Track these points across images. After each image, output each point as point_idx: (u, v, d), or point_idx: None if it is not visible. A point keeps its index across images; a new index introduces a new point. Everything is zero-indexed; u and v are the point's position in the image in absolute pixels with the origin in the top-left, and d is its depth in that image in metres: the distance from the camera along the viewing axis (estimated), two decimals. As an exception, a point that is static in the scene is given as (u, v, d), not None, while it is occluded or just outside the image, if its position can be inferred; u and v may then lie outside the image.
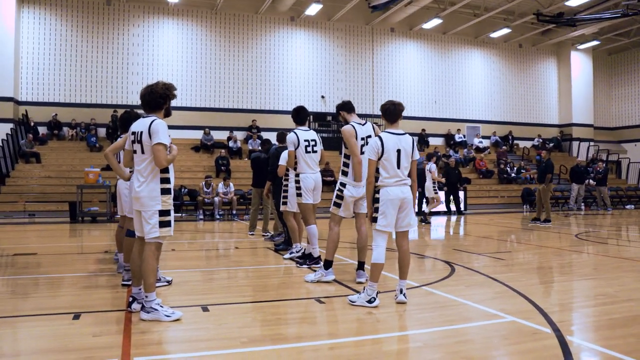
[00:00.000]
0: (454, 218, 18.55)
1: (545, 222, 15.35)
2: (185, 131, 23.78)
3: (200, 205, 18.32)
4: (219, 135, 24.15)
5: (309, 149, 7.40)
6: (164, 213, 4.84)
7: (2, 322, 4.81)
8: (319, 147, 7.53)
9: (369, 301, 5.24)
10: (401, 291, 5.40)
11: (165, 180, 4.89)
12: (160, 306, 4.81)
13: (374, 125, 6.70)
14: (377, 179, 5.38)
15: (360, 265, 6.56)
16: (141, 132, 4.86)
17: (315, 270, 6.93)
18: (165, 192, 4.88)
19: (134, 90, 23.46)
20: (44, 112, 22.38)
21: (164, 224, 4.85)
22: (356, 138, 6.30)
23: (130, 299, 5.07)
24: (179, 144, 22.78)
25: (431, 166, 16.50)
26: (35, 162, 20.67)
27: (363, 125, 6.53)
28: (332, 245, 6.45)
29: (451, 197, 20.22)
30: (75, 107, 22.93)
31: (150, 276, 4.82)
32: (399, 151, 5.33)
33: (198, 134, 23.91)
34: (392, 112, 5.47)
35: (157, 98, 4.95)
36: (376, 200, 5.37)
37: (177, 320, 4.74)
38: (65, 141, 22.54)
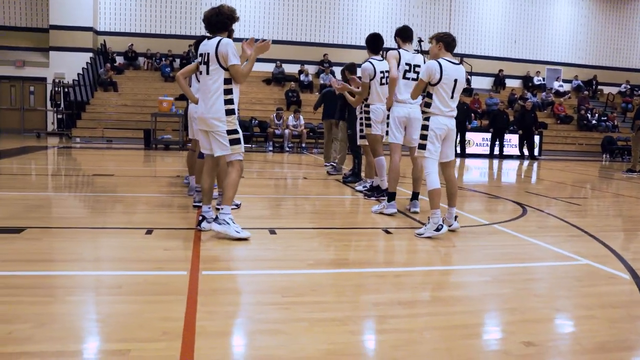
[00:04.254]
0: (526, 163, 17.95)
1: (637, 172, 14.38)
2: (257, 63, 23.66)
3: (270, 137, 18.51)
4: (290, 69, 24.04)
5: (384, 80, 7.22)
6: (231, 132, 4.94)
7: (83, 232, 5.08)
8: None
9: (437, 229, 5.20)
10: (455, 218, 5.46)
11: (229, 102, 4.94)
12: (232, 221, 4.91)
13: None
14: (428, 105, 5.39)
15: (415, 196, 6.69)
16: (208, 54, 4.92)
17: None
18: (229, 112, 4.94)
19: (207, 21, 23.50)
20: (121, 42, 22.91)
21: (234, 142, 4.95)
22: (399, 62, 6.48)
23: (200, 218, 5.20)
24: (250, 76, 22.92)
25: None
26: (113, 90, 21.34)
27: (413, 53, 6.67)
28: (393, 176, 6.45)
29: (524, 142, 19.63)
30: (150, 37, 23.31)
31: (231, 190, 4.95)
32: (455, 81, 5.37)
33: (270, 67, 23.86)
34: (452, 43, 5.50)
35: (225, 19, 4.98)
36: (425, 128, 5.41)
37: (245, 239, 4.82)
38: (140, 71, 23.10)
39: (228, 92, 4.94)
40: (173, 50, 23.13)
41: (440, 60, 5.35)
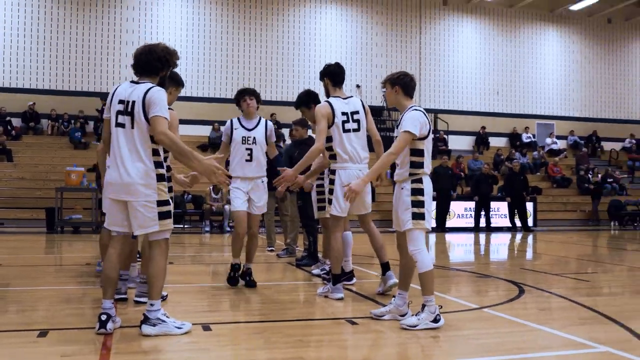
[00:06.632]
0: (519, 236, 18.18)
1: None
2: (191, 126, 23.74)
3: (207, 215, 18.29)
4: (230, 132, 24.12)
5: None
6: (162, 202, 4.87)
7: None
8: None
9: (435, 320, 5.06)
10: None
11: (159, 165, 4.89)
12: (167, 317, 4.83)
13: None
14: (418, 165, 5.29)
15: (386, 267, 6.62)
16: (133, 102, 4.80)
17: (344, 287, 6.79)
18: (160, 178, 4.87)
19: (128, 75, 23.55)
20: (17, 100, 22.61)
21: (164, 215, 4.85)
22: (333, 115, 6.37)
23: (104, 317, 4.82)
24: (182, 141, 22.87)
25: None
26: (6, 160, 20.92)
27: (345, 99, 6.59)
28: (337, 255, 6.44)
29: (515, 210, 19.97)
30: (56, 95, 23.15)
31: (160, 279, 4.88)
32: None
33: (206, 130, 23.94)
34: (412, 86, 5.52)
35: (155, 61, 4.97)
36: (420, 192, 5.26)
37: (188, 332, 4.80)
38: (43, 136, 22.82)
39: (157, 152, 4.90)
40: (85, 110, 22.98)
41: (420, 109, 5.35)
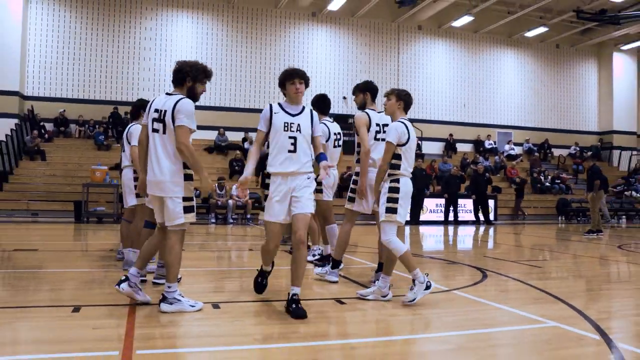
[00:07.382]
0: (482, 228, 18.28)
1: (595, 232, 14.76)
2: (199, 131, 23.25)
3: (213, 209, 18.28)
4: (234, 136, 24.11)
5: (337, 142, 7.32)
6: (187, 198, 4.91)
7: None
8: (341, 143, 7.53)
9: (427, 287, 5.17)
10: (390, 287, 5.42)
11: (187, 165, 4.91)
12: (182, 296, 4.85)
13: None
14: (396, 167, 5.44)
15: (382, 267, 6.37)
16: (165, 111, 4.84)
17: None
18: (187, 178, 4.91)
19: (145, 86, 23.57)
20: (50, 107, 22.54)
21: (188, 209, 4.90)
22: (369, 125, 6.33)
23: (123, 277, 4.93)
24: (192, 144, 22.81)
25: None
26: (40, 159, 20.82)
27: (379, 113, 6.53)
28: (342, 244, 6.46)
29: (479, 206, 20.06)
30: (83, 103, 23.04)
31: (177, 265, 4.90)
32: (415, 142, 5.60)
33: (212, 135, 23.89)
34: (410, 105, 5.74)
35: (177, 72, 4.98)
36: (395, 190, 5.39)
37: (200, 310, 4.83)
38: (72, 139, 22.69)
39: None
40: (108, 117, 22.90)
41: (404, 121, 5.49)
